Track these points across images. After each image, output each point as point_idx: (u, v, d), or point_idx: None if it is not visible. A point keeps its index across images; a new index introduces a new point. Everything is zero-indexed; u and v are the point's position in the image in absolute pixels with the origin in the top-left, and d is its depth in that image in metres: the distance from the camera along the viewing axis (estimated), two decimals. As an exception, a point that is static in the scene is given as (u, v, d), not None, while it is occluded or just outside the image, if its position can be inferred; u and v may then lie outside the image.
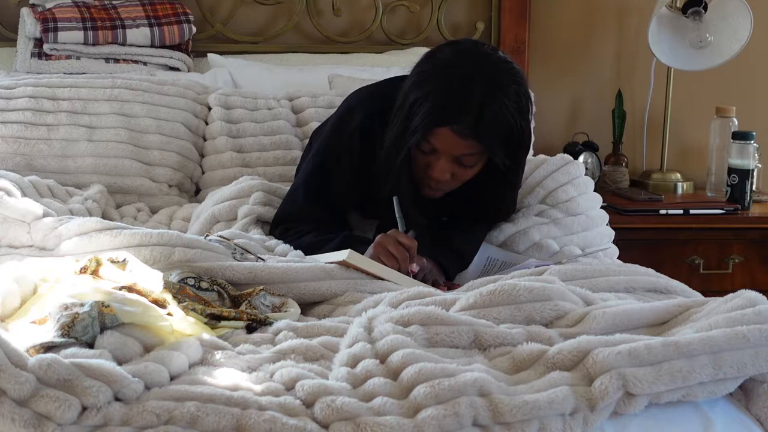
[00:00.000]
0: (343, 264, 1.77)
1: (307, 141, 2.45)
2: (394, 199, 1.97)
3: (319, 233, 2.01)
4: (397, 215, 1.96)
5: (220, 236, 1.91)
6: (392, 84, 2.05)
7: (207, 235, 1.93)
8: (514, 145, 1.93)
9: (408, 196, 1.98)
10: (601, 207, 2.27)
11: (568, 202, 2.17)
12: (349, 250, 1.79)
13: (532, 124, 2.89)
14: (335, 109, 2.23)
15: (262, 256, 1.85)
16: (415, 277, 1.88)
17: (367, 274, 1.78)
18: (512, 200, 2.13)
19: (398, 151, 1.92)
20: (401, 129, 1.92)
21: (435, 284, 1.92)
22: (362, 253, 1.86)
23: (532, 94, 2.91)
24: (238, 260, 1.81)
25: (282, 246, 1.98)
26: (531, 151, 2.88)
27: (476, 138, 1.87)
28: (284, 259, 1.86)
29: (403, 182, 1.97)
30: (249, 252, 1.85)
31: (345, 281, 1.75)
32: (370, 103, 2.09)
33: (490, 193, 2.04)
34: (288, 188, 2.20)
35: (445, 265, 2.00)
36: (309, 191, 2.08)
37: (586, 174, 2.28)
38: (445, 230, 2.08)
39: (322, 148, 2.12)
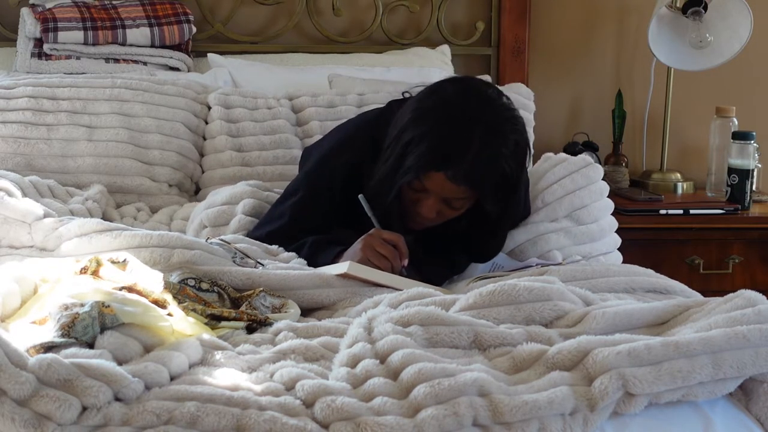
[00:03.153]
0: (345, 276, 1.76)
1: (307, 141, 2.46)
2: (361, 198, 1.93)
3: (291, 245, 1.98)
4: (369, 214, 1.94)
5: (222, 239, 1.91)
6: (392, 111, 2.00)
7: (208, 238, 1.93)
8: (505, 192, 1.90)
9: (398, 231, 1.93)
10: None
11: (581, 209, 2.16)
12: (349, 262, 1.78)
13: (532, 125, 2.91)
14: (331, 120, 2.21)
15: (261, 261, 1.85)
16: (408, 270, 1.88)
17: (368, 282, 1.77)
18: (501, 240, 2.07)
19: (389, 189, 1.89)
20: (394, 166, 1.88)
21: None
22: (335, 252, 1.87)
23: (531, 94, 2.97)
24: (238, 264, 1.80)
25: (286, 253, 1.96)
26: (532, 151, 2.89)
27: (470, 186, 1.85)
28: (283, 265, 1.85)
29: (393, 219, 1.94)
30: (248, 257, 1.85)
31: (343, 289, 1.75)
32: (358, 141, 2.04)
33: (477, 233, 2.00)
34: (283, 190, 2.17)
35: (429, 271, 1.97)
36: (294, 218, 2.04)
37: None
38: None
39: (303, 181, 2.09)
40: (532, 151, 2.84)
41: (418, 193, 1.90)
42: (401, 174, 1.86)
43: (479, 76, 2.20)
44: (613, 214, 2.27)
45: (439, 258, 2.01)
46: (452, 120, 1.84)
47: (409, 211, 1.95)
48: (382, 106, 2.14)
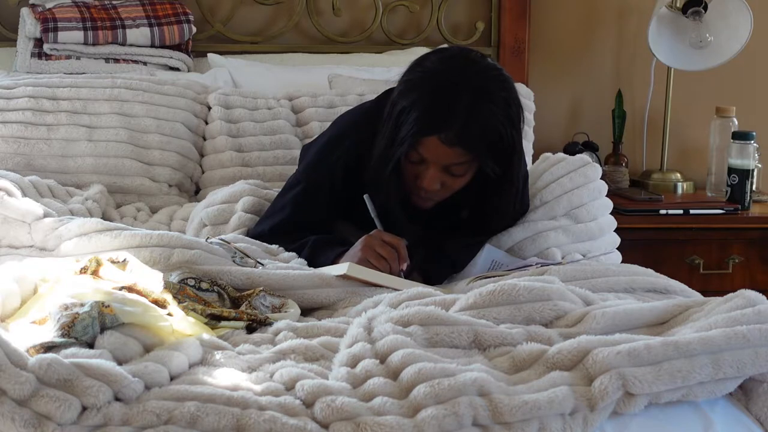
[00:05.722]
0: (344, 278, 1.76)
1: (307, 141, 2.45)
2: (366, 198, 1.94)
3: (291, 245, 1.98)
4: (372, 215, 1.94)
5: (222, 239, 1.91)
6: (385, 99, 2.01)
7: (208, 238, 1.93)
8: (503, 153, 1.90)
9: (398, 207, 1.95)
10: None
11: (579, 208, 2.15)
12: (348, 263, 1.78)
13: (532, 124, 2.91)
14: (331, 120, 2.20)
15: (261, 261, 1.85)
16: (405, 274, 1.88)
17: (368, 283, 1.77)
18: (508, 212, 2.07)
19: (387, 162, 1.90)
20: (389, 140, 1.89)
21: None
22: (336, 254, 1.87)
23: (531, 94, 2.96)
24: (238, 264, 1.80)
25: (286, 253, 1.96)
26: (532, 151, 2.89)
27: (463, 146, 1.85)
28: (283, 265, 1.84)
29: (392, 194, 1.94)
30: (248, 256, 1.85)
31: (342, 289, 1.75)
32: (357, 129, 2.06)
33: (485, 204, 2.00)
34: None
35: (430, 268, 1.98)
36: (295, 210, 2.05)
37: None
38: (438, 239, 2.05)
39: (303, 173, 2.10)
40: (530, 113, 2.85)
41: (417, 166, 1.91)
42: (397, 146, 1.87)
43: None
44: (613, 214, 2.27)
45: (440, 256, 2.01)
46: (439, 85, 1.87)
47: (413, 188, 1.95)
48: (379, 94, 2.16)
